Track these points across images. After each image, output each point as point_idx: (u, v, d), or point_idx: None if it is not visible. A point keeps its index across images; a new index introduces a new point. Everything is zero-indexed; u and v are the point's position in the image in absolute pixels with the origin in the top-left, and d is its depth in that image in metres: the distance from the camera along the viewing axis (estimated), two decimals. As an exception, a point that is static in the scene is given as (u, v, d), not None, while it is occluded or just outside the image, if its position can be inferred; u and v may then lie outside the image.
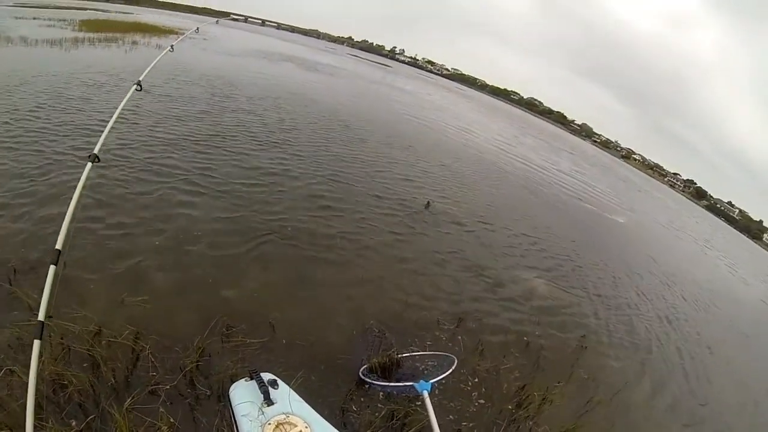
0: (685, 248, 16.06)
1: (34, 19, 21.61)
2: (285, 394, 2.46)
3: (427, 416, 2.48)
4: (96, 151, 2.85)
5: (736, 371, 6.63)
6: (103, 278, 3.64)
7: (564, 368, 4.45)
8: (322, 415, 2.41)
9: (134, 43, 18.80)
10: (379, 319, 4.16)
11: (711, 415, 4.92)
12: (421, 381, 2.78)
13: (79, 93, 8.66)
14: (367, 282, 4.77)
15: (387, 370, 3.32)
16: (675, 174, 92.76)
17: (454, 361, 3.26)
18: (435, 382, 2.98)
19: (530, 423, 3.50)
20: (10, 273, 3.40)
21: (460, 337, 4.27)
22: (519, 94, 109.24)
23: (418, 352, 3.63)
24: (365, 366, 3.35)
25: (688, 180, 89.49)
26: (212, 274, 4.06)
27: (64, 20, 22.37)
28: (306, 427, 2.31)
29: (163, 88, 10.73)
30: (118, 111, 3.31)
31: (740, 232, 54.41)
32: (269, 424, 2.27)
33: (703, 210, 58.84)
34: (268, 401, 2.37)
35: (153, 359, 2.97)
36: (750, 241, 49.28)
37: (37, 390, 2.45)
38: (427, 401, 2.61)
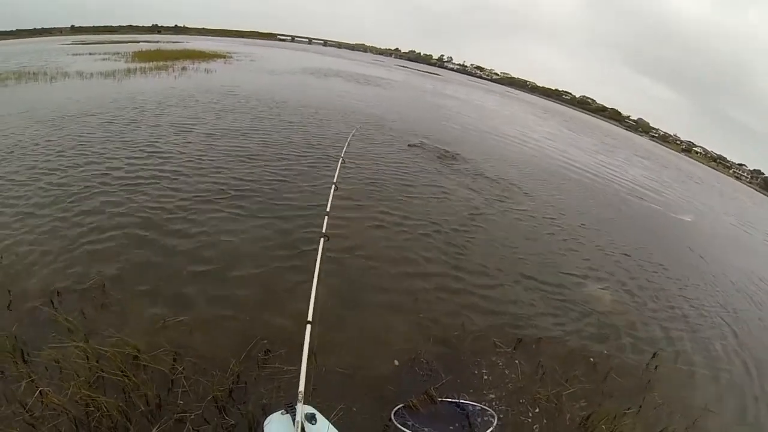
0: (760, 247, 14.62)
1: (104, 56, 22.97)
2: (324, 429, 2.27)
3: None
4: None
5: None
6: (145, 300, 3.69)
7: (634, 393, 3.94)
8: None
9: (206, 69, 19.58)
10: (431, 344, 3.87)
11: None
12: None
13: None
14: (419, 305, 4.47)
15: (424, 414, 3.04)
16: (740, 165, 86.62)
17: (493, 419, 2.99)
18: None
19: (598, 458, 3.13)
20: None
21: (517, 362, 3.87)
22: (571, 94, 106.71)
23: (457, 400, 3.28)
24: (400, 406, 3.05)
25: (755, 170, 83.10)
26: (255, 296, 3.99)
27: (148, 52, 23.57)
28: (344, 468, 2.10)
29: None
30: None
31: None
32: (306, 461, 2.08)
33: None
34: (305, 437, 2.17)
35: (185, 383, 2.89)
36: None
37: (69, 412, 2.56)
38: None
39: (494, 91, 62.36)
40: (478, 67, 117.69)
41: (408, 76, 48.43)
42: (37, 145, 7.19)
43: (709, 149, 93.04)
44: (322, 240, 3.08)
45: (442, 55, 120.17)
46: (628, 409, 3.65)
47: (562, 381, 3.76)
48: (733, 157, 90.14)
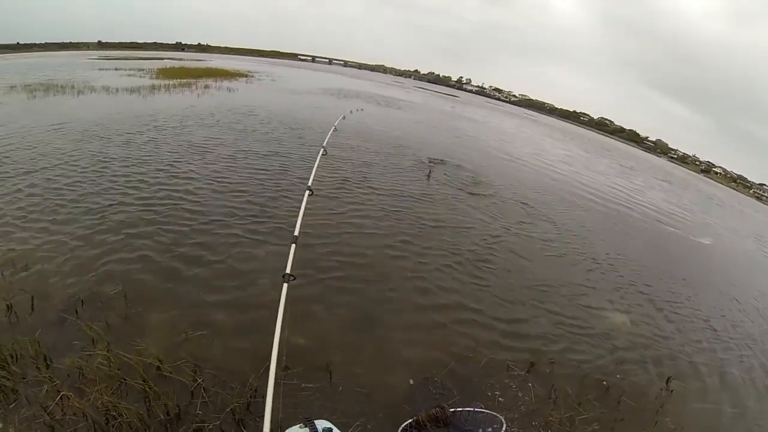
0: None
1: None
2: (341, 446, 2.33)
3: None
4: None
5: None
6: (166, 315, 3.80)
7: (647, 417, 3.91)
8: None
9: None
10: (444, 364, 3.90)
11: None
12: None
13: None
14: (434, 325, 4.53)
15: (436, 426, 3.07)
16: (761, 185, 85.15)
17: (502, 424, 3.03)
18: None
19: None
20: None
21: (530, 384, 3.87)
22: (588, 115, 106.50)
23: (468, 408, 3.30)
24: (409, 421, 3.06)
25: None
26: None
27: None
28: (362, 483, 2.17)
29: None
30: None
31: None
32: (323, 476, 2.15)
33: None
34: (322, 452, 2.25)
35: (205, 395, 2.98)
36: None
37: (90, 417, 2.65)
38: None
39: (513, 113, 62.50)
40: (497, 89, 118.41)
41: (427, 98, 48.93)
42: (61, 160, 7.43)
43: (729, 169, 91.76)
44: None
45: (461, 77, 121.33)
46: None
47: (575, 405, 3.74)
48: (753, 177, 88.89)
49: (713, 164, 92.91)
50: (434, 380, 3.69)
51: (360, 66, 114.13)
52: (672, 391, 4.43)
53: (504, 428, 2.99)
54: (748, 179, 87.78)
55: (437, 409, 3.08)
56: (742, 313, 7.62)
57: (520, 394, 3.75)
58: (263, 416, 2.16)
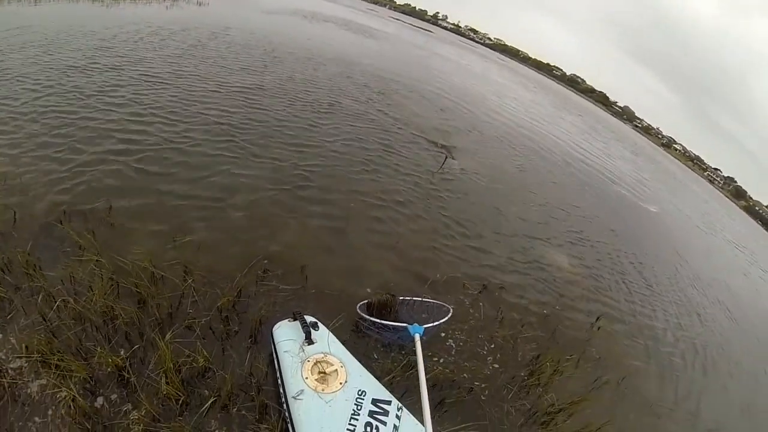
0: (714, 246, 15.58)
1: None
2: (324, 336, 2.75)
3: (416, 359, 2.63)
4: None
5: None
6: (153, 223, 3.96)
7: (577, 345, 4.58)
8: (355, 357, 2.70)
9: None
10: (407, 278, 4.40)
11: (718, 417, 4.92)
12: (415, 324, 2.97)
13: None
14: (400, 242, 5.01)
15: (384, 311, 3.49)
16: (716, 169, 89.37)
17: (449, 311, 3.45)
18: (428, 327, 3.17)
19: (539, 390, 3.65)
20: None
21: (481, 304, 4.43)
22: (561, 70, 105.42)
23: (417, 298, 3.73)
24: (364, 302, 3.50)
25: (728, 177, 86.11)
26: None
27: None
28: (341, 366, 2.59)
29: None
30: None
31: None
32: (308, 361, 2.56)
33: (741, 210, 56.15)
34: (309, 341, 2.66)
35: (195, 294, 3.24)
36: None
37: (89, 321, 2.83)
38: (418, 344, 2.76)
39: (486, 56, 61.69)
40: (473, 30, 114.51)
41: (402, 29, 47.76)
42: (33, 70, 6.83)
43: (689, 148, 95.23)
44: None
45: (437, 13, 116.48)
46: (571, 355, 4.27)
47: (518, 326, 4.36)
48: (710, 161, 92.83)
49: (674, 140, 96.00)
50: (399, 287, 4.15)
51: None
52: (599, 327, 5.12)
53: (449, 315, 3.45)
54: (705, 161, 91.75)
55: (387, 295, 3.57)
56: (668, 272, 8.73)
57: (471, 310, 4.33)
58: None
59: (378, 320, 3.24)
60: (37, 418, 2.31)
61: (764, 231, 46.33)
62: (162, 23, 12.64)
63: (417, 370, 2.41)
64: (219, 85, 8.12)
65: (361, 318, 3.39)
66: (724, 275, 11.49)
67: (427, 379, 3.19)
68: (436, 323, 3.27)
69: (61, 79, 6.53)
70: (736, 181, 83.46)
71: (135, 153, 5.00)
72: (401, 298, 3.66)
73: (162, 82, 7.48)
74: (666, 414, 4.40)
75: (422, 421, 2.39)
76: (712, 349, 6.38)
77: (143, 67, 8.07)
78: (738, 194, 76.53)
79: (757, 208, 69.83)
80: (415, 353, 2.76)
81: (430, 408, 2.41)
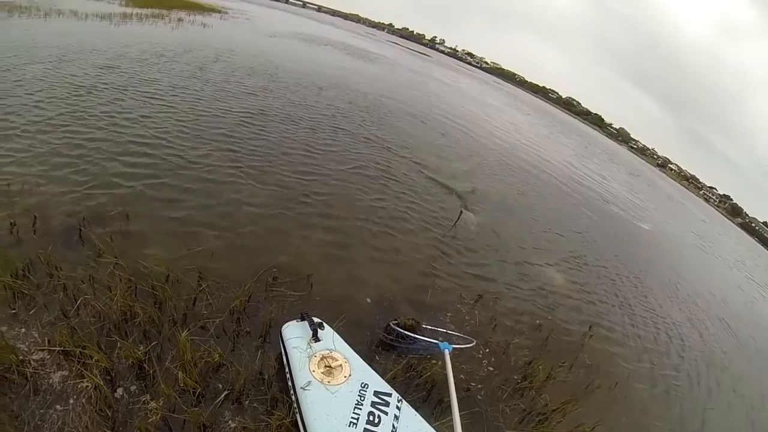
0: (709, 264, 15.82)
1: None
2: (329, 335, 2.98)
3: (446, 373, 2.80)
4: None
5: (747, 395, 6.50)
6: (169, 231, 4.22)
7: (570, 352, 4.79)
8: (357, 353, 2.91)
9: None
10: (406, 288, 4.65)
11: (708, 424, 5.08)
12: (445, 342, 3.19)
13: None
14: (401, 255, 5.29)
15: (409, 331, 3.70)
16: (711, 188, 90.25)
17: (473, 342, 3.66)
18: (455, 347, 3.37)
19: (533, 393, 3.85)
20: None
21: (477, 312, 4.69)
22: (557, 93, 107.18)
23: (442, 329, 3.94)
24: (395, 321, 3.74)
25: (723, 195, 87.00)
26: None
27: None
28: (345, 361, 2.80)
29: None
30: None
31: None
32: (315, 356, 2.78)
33: (737, 228, 56.58)
34: (316, 338, 2.89)
35: (209, 297, 3.47)
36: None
37: (109, 319, 3.02)
38: (447, 360, 2.96)
39: (483, 80, 62.77)
40: (469, 53, 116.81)
41: (400, 53, 48.77)
42: (43, 81, 7.14)
43: (684, 168, 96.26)
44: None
45: (435, 37, 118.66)
46: (563, 362, 4.46)
47: (511, 333, 4.60)
48: (705, 180, 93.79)
49: (670, 160, 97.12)
50: (397, 297, 4.44)
51: (334, 12, 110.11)
52: (591, 336, 5.35)
53: (473, 344, 3.64)
54: (700, 180, 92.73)
55: (413, 320, 3.79)
56: (661, 287, 8.99)
57: (467, 318, 4.58)
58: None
59: (412, 335, 3.45)
60: (58, 406, 2.45)
61: (762, 247, 46.60)
62: (167, 44, 13.13)
63: (447, 383, 2.58)
64: (224, 111, 8.41)
65: (390, 331, 3.60)
66: (710, 286, 11.80)
67: (426, 379, 3.43)
68: (463, 346, 3.48)
69: (70, 97, 6.81)
70: (731, 199, 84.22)
71: (149, 167, 5.30)
72: (425, 325, 3.87)
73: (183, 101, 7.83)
74: (656, 415, 4.61)
75: (424, 416, 2.61)
76: (697, 354, 6.67)
77: (154, 87, 8.42)
78: (734, 212, 77.10)
79: (753, 225, 70.31)
80: (444, 367, 2.94)
81: (459, 412, 2.52)
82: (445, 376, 2.84)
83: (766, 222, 74.98)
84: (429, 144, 11.43)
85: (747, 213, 77.16)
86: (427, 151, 10.57)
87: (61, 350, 2.67)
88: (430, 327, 3.89)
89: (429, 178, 8.40)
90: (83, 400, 2.49)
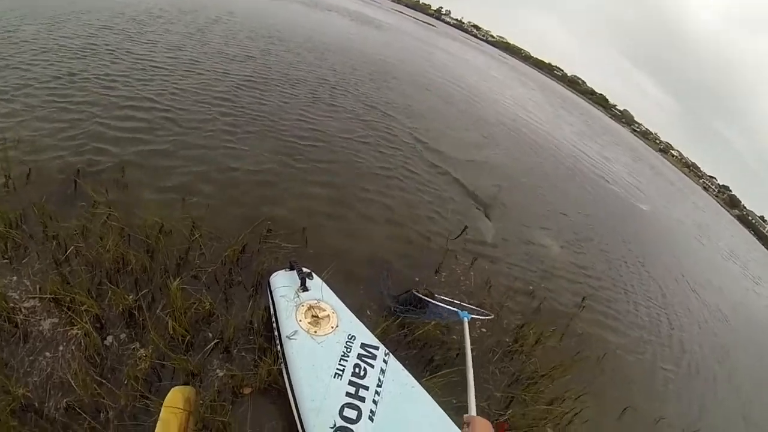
0: (702, 250, 15.83)
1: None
2: (318, 285, 2.94)
3: (464, 341, 2.70)
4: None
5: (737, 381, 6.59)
6: (163, 183, 4.14)
7: (560, 320, 4.81)
8: (346, 305, 2.88)
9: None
10: (401, 246, 4.65)
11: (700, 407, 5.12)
12: (465, 311, 3.17)
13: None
14: (397, 215, 5.27)
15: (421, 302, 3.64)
16: (711, 177, 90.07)
17: (491, 315, 3.58)
18: (474, 317, 3.28)
19: (523, 357, 3.88)
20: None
21: (472, 273, 4.69)
22: (562, 70, 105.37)
23: (459, 301, 3.82)
24: (416, 289, 3.71)
25: (723, 185, 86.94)
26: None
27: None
28: (333, 312, 2.77)
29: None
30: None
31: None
32: (302, 305, 2.75)
33: (733, 219, 56.49)
34: (304, 288, 2.84)
35: (202, 247, 3.43)
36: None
37: (101, 267, 2.98)
38: (466, 329, 2.89)
39: (487, 53, 61.72)
40: (475, 26, 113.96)
41: (404, 22, 47.96)
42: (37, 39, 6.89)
43: (685, 155, 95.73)
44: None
45: (441, 7, 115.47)
46: (554, 329, 4.46)
47: (504, 296, 4.60)
48: (706, 168, 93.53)
49: (672, 146, 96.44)
50: (393, 255, 4.43)
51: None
52: (584, 307, 5.36)
53: (491, 317, 3.55)
54: (701, 169, 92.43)
55: (428, 290, 3.77)
56: (655, 266, 9.00)
57: (462, 278, 4.57)
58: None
59: (432, 302, 3.37)
60: (47, 353, 2.44)
61: (754, 238, 46.60)
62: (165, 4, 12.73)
63: (465, 352, 2.52)
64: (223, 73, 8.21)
65: (419, 297, 3.54)
66: (700, 267, 11.98)
67: (418, 336, 3.41)
68: (481, 317, 3.43)
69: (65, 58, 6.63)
70: (730, 190, 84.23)
71: (146, 121, 5.20)
72: (441, 296, 3.79)
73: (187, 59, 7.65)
74: (642, 389, 4.67)
75: (410, 379, 2.60)
76: (684, 325, 6.90)
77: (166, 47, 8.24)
78: (732, 203, 77.12)
79: (750, 218, 70.42)
80: (463, 335, 2.86)
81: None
82: (462, 345, 2.80)
83: (762, 216, 75.11)
84: (432, 111, 11.24)
85: (744, 205, 77.24)
86: (431, 118, 10.41)
87: (52, 298, 2.65)
88: (447, 298, 3.84)
89: (428, 148, 8.23)
90: (73, 347, 2.49)
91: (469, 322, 2.98)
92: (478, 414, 1.82)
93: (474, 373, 2.23)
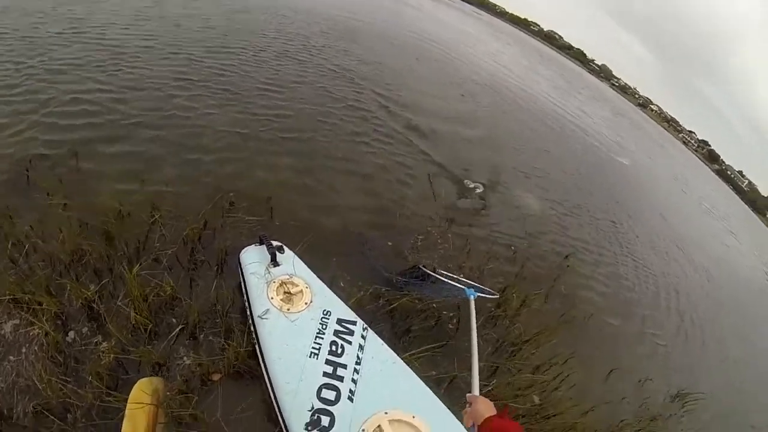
0: (683, 203, 15.98)
1: None
2: (290, 259, 2.76)
3: (469, 320, 2.62)
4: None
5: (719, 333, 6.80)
6: (118, 171, 3.83)
7: (545, 280, 4.75)
8: (321, 279, 2.72)
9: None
10: (373, 212, 4.49)
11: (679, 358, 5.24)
12: (471, 289, 3.06)
13: None
14: (367, 178, 5.08)
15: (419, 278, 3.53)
16: (690, 132, 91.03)
17: (496, 294, 3.45)
18: (480, 295, 3.18)
19: (506, 322, 3.81)
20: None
21: (450, 235, 4.54)
22: (539, 26, 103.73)
23: (465, 279, 3.69)
24: (419, 265, 3.58)
25: (702, 140, 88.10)
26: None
27: None
28: (306, 287, 2.61)
29: None
30: None
31: (746, 203, 50.75)
32: (274, 282, 2.58)
33: (713, 174, 57.52)
34: (275, 263, 2.67)
35: (162, 228, 3.23)
36: (753, 215, 44.31)
37: (58, 260, 2.80)
38: (472, 306, 2.80)
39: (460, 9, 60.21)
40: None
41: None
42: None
43: (665, 110, 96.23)
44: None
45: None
46: (539, 290, 4.42)
47: (485, 259, 4.48)
48: (685, 123, 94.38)
49: (651, 101, 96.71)
50: (363, 220, 4.28)
51: None
52: (568, 266, 5.32)
53: (496, 296, 3.41)
54: (680, 124, 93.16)
55: (433, 267, 3.62)
56: (635, 220, 9.03)
57: (440, 241, 4.43)
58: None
59: (439, 277, 3.23)
60: (11, 357, 2.31)
61: (733, 192, 47.65)
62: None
63: (470, 331, 2.41)
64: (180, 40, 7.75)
65: (425, 272, 3.42)
66: (679, 216, 12.27)
67: (394, 308, 3.29)
68: (487, 295, 3.31)
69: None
70: (709, 145, 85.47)
71: (98, 103, 4.78)
72: (444, 272, 3.59)
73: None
74: (629, 346, 4.71)
75: (392, 349, 2.49)
76: (670, 284, 6.90)
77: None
78: (711, 157, 78.60)
79: (728, 172, 71.91)
80: (468, 313, 2.75)
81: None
82: (468, 323, 2.68)
83: (741, 171, 76.78)
84: (406, 71, 10.86)
85: (723, 160, 78.62)
86: (404, 78, 10.05)
87: (11, 299, 2.50)
88: (453, 275, 3.69)
89: (400, 108, 7.88)
90: (35, 348, 2.36)
91: (474, 300, 2.89)
92: (481, 394, 1.68)
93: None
